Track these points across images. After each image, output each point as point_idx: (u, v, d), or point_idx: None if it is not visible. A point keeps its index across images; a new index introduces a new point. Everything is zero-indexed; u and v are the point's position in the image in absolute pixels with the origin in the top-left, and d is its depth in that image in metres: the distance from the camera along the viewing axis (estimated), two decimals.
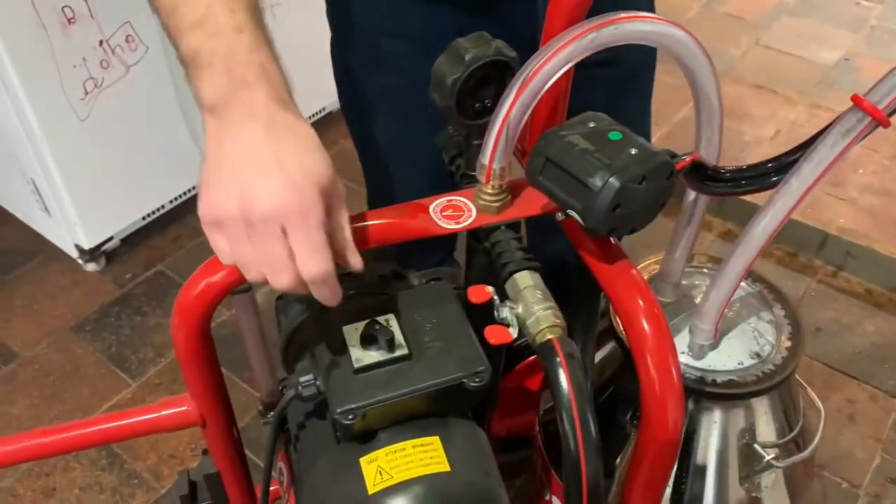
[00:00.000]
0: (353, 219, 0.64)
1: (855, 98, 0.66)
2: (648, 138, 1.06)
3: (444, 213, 0.67)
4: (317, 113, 2.42)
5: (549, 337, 0.58)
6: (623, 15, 0.62)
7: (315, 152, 0.58)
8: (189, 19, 0.57)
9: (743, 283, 0.95)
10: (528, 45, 0.67)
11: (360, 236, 0.63)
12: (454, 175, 0.74)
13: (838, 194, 2.11)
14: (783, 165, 0.70)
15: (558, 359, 0.56)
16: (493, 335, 0.59)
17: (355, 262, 0.61)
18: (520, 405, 1.08)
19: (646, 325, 0.59)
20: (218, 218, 0.56)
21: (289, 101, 0.59)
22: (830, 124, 0.67)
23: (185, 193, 2.02)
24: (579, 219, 0.59)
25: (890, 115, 0.66)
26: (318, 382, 0.67)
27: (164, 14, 0.59)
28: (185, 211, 2.04)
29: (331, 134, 2.20)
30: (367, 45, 0.98)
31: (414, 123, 0.85)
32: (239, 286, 0.66)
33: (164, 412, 0.74)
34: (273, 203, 0.54)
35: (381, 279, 0.85)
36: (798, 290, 1.92)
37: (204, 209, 0.57)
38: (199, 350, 0.67)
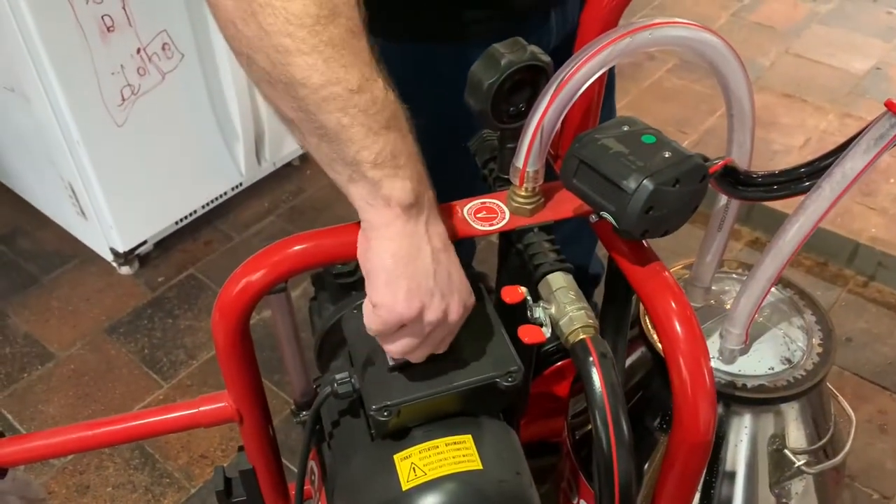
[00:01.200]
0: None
1: (889, 103, 0.66)
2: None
3: (477, 216, 0.68)
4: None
5: (583, 336, 0.59)
6: (659, 20, 0.63)
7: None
8: (383, 118, 0.55)
9: (774, 289, 0.95)
10: None
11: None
12: (487, 178, 0.75)
13: (869, 204, 2.09)
14: (815, 171, 0.71)
15: (591, 358, 0.57)
16: (527, 334, 0.60)
17: None
18: (547, 411, 1.08)
19: (679, 328, 0.60)
20: (409, 319, 0.60)
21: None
22: (863, 130, 0.68)
23: (217, 198, 2.06)
24: (613, 220, 0.59)
25: None
26: (353, 380, 0.68)
27: (355, 115, 0.55)
28: (216, 216, 2.08)
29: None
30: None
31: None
32: (276, 286, 0.68)
33: (202, 408, 0.76)
34: (459, 317, 0.63)
35: None
36: (828, 299, 1.91)
37: (394, 308, 0.59)
38: (237, 346, 0.69)
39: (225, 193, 2.07)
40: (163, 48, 1.73)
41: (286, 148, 2.21)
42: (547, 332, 0.60)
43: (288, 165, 2.30)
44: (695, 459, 0.63)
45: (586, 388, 0.57)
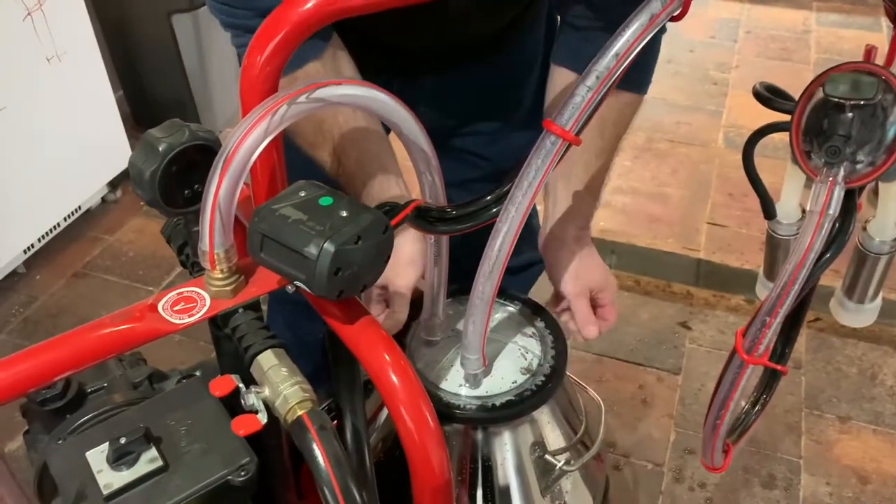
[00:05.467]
0: (71, 336, 0.59)
1: (546, 123, 0.72)
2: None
3: (175, 309, 0.64)
4: (74, 212, 2.28)
5: (299, 413, 0.57)
6: (317, 81, 0.63)
7: None
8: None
9: (506, 305, 1.00)
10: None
11: (72, 355, 0.58)
12: (185, 265, 0.71)
13: None
14: (500, 197, 0.75)
15: (310, 434, 0.55)
16: (241, 426, 0.56)
17: None
18: None
19: (395, 378, 0.60)
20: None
21: None
22: (532, 152, 0.73)
23: None
24: (306, 288, 0.58)
25: (578, 133, 0.73)
26: None
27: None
28: None
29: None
30: None
31: None
32: None
33: None
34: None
35: (135, 387, 0.80)
36: None
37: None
38: None
39: None
40: None
41: (4, 257, 1.99)
42: (263, 417, 0.58)
43: (12, 275, 2.07)
44: (440, 500, 0.63)
45: (310, 465, 0.55)
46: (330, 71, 0.88)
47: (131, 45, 2.56)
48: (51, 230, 2.19)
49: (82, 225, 2.31)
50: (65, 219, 2.24)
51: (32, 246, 2.13)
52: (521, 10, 1.09)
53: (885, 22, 3.42)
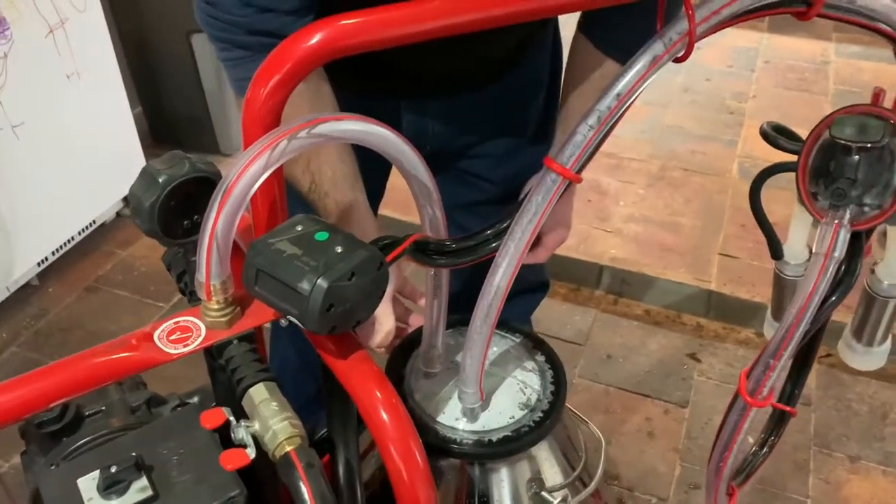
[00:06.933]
0: (69, 363, 0.60)
1: (546, 160, 0.72)
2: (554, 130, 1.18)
3: (170, 338, 0.64)
4: (88, 226, 2.30)
5: (287, 449, 0.56)
6: (317, 117, 0.64)
7: None
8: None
9: (506, 337, 0.99)
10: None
11: (69, 382, 0.58)
12: (184, 293, 0.72)
13: (606, 227, 2.30)
14: (499, 232, 0.75)
15: (297, 471, 0.55)
16: (230, 460, 0.56)
17: None
18: None
19: (385, 415, 0.60)
20: None
21: None
22: (532, 189, 0.73)
23: None
24: (299, 323, 0.58)
25: (579, 171, 0.73)
26: None
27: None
28: None
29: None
30: None
31: None
32: None
33: None
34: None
35: (133, 411, 0.80)
36: (586, 322, 2.05)
37: None
38: None
39: None
40: None
41: (18, 269, 2.01)
42: (251, 452, 0.57)
43: (25, 287, 2.10)
44: None
45: (296, 502, 0.54)
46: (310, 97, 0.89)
47: (151, 62, 2.60)
48: (65, 243, 2.21)
49: (96, 239, 2.34)
50: (79, 232, 2.26)
51: (46, 259, 2.15)
52: (534, 28, 1.10)
53: None
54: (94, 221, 2.31)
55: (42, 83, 2.01)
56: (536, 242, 1.13)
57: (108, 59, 2.21)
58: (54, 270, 2.19)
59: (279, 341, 1.36)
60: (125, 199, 2.44)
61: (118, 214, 2.45)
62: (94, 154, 2.23)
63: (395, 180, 1.24)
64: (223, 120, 2.68)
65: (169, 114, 2.70)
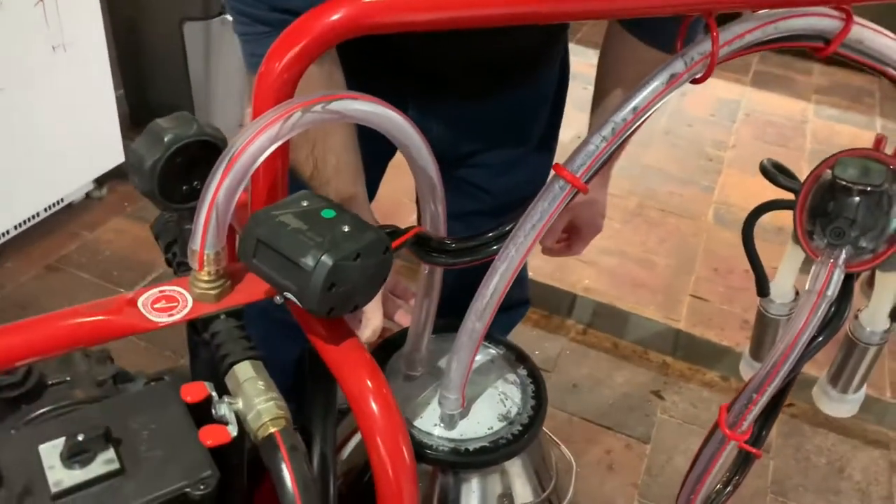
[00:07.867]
0: (43, 320, 0.56)
1: (556, 167, 0.71)
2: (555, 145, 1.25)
3: (155, 306, 0.61)
4: (55, 203, 2.24)
5: (272, 430, 0.54)
6: (334, 93, 0.62)
7: None
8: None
9: (491, 348, 0.97)
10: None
11: (43, 340, 0.55)
12: (171, 263, 0.69)
13: (582, 258, 2.30)
14: (501, 235, 0.73)
15: (280, 453, 0.52)
16: (210, 436, 0.54)
17: None
18: None
19: (374, 406, 0.57)
20: None
21: None
22: (539, 195, 0.72)
23: None
24: (296, 300, 0.56)
25: (588, 181, 0.72)
26: None
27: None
28: None
29: (72, 226, 2.03)
30: None
31: None
32: None
33: None
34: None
35: (99, 385, 0.76)
36: (555, 348, 2.05)
37: None
38: None
39: None
40: None
41: None
42: (233, 430, 0.55)
43: None
44: None
45: (276, 485, 0.52)
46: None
47: (139, 45, 2.55)
48: (29, 219, 2.14)
49: (62, 218, 2.27)
50: (45, 209, 2.20)
51: (8, 232, 2.08)
52: (548, 44, 1.10)
53: (878, 122, 3.51)
54: (61, 199, 2.25)
55: (27, 52, 1.96)
56: (574, 235, 1.14)
57: (96, 36, 2.17)
58: (15, 246, 2.12)
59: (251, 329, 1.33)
60: (97, 181, 2.38)
61: (87, 196, 2.39)
62: (70, 131, 2.17)
63: (380, 191, 1.23)
64: (207, 112, 2.64)
65: (152, 99, 2.65)
